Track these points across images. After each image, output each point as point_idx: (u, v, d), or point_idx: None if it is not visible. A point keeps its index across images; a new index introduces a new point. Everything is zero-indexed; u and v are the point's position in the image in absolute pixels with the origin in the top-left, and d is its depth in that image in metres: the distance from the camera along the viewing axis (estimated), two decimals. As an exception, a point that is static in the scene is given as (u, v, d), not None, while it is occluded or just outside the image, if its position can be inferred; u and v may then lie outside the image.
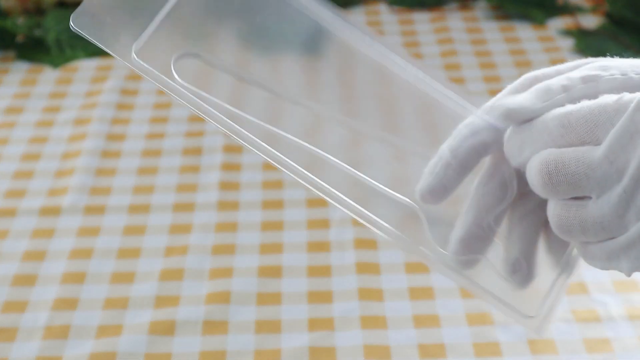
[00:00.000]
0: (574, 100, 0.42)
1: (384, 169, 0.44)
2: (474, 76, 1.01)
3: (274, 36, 0.44)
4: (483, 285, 0.43)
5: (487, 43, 1.08)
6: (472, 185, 0.45)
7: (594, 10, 1.14)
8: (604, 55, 0.46)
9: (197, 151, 0.91)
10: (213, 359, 0.67)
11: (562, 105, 0.43)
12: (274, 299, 0.72)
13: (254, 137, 0.40)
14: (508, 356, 0.66)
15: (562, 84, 0.44)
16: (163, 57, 0.41)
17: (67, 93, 1.01)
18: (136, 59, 0.40)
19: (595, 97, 0.42)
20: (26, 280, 0.75)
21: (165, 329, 0.69)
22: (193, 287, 0.73)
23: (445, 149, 0.45)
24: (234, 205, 0.83)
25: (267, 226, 0.80)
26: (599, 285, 0.73)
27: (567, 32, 1.09)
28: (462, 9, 1.17)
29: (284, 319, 0.70)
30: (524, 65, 1.03)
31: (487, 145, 0.45)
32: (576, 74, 0.44)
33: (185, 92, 0.40)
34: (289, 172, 0.40)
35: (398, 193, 0.44)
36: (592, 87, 0.43)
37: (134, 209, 0.83)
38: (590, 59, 0.45)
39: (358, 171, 0.42)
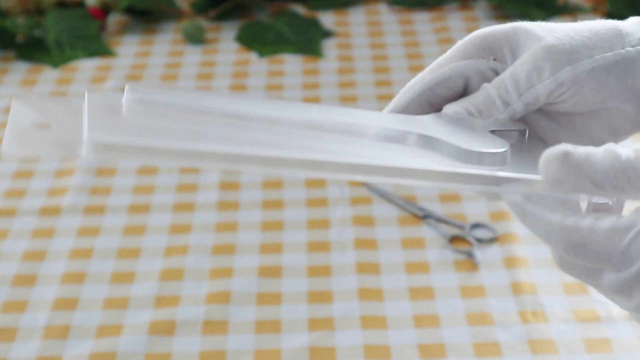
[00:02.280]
0: None
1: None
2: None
3: None
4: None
5: (487, 43, 1.08)
6: None
7: (594, 10, 1.14)
8: None
9: (197, 151, 0.91)
10: (213, 359, 0.67)
11: None
12: (274, 299, 0.72)
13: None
14: (508, 356, 0.66)
15: None
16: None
17: (67, 93, 1.01)
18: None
19: None
20: (26, 280, 0.75)
21: (165, 329, 0.69)
22: (193, 287, 0.73)
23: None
24: (234, 205, 0.83)
25: (267, 226, 0.80)
26: (599, 285, 0.73)
27: (567, 32, 1.09)
28: (462, 9, 1.17)
29: (284, 319, 0.70)
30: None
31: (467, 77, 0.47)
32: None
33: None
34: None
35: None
36: None
37: (134, 209, 0.83)
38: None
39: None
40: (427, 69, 0.48)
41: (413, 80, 0.48)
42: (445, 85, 0.47)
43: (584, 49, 0.45)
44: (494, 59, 0.47)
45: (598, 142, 0.48)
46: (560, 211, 0.42)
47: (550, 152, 0.40)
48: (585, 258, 0.40)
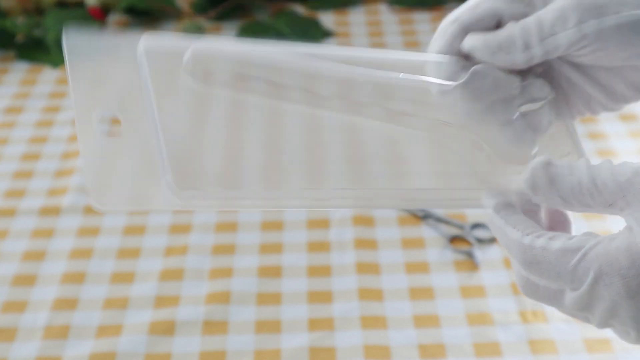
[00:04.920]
0: None
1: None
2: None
3: None
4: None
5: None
6: None
7: None
8: None
9: (197, 151, 0.91)
10: (213, 359, 0.67)
11: None
12: (274, 299, 0.72)
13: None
14: (508, 356, 0.66)
15: None
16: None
17: (67, 93, 1.01)
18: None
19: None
20: (26, 280, 0.74)
21: (165, 329, 0.69)
22: (193, 287, 0.73)
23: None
24: (234, 205, 0.82)
25: (267, 226, 0.80)
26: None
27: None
28: (462, 8, 1.17)
29: (284, 319, 0.70)
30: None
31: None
32: None
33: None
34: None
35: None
36: None
37: (134, 209, 0.82)
38: None
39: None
40: (462, 7, 0.49)
41: (448, 20, 0.49)
42: (479, 25, 0.48)
43: (613, 4, 0.45)
44: (527, 4, 0.48)
45: (621, 98, 0.49)
46: (520, 228, 0.44)
47: (538, 160, 0.44)
48: (539, 276, 0.43)
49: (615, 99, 0.49)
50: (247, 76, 0.40)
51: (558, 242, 0.42)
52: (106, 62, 0.41)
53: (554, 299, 0.44)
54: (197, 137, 0.41)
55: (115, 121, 0.39)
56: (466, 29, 0.48)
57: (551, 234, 0.43)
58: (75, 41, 0.40)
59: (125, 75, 0.41)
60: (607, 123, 0.94)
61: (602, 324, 0.42)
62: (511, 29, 0.46)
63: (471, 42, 0.47)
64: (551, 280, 0.43)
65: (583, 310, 0.42)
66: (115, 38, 0.42)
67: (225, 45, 0.41)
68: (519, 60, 0.46)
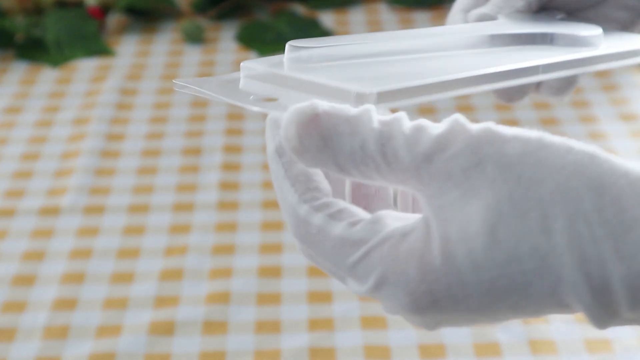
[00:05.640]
0: None
1: None
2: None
3: None
4: None
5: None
6: None
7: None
8: None
9: (196, 151, 0.91)
10: (213, 359, 0.67)
11: None
12: (274, 299, 0.72)
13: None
14: (508, 356, 0.66)
15: None
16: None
17: (67, 93, 1.01)
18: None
19: None
20: (25, 281, 0.74)
21: (165, 329, 0.69)
22: (193, 287, 0.73)
23: None
24: (234, 205, 0.82)
25: (267, 226, 0.80)
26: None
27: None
28: (462, 8, 1.17)
29: (284, 319, 0.70)
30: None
31: None
32: None
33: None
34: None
35: None
36: None
37: (134, 209, 0.82)
38: None
39: None
40: None
41: (454, 10, 0.53)
42: (479, 2, 0.52)
43: None
44: None
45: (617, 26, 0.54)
46: (299, 190, 0.35)
47: (296, 110, 0.32)
48: (315, 254, 0.34)
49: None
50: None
51: (338, 226, 0.33)
52: None
53: (334, 275, 0.35)
54: None
55: None
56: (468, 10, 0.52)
57: (336, 205, 0.34)
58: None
59: None
60: (607, 123, 0.94)
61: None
62: None
63: (477, 11, 0.50)
64: (327, 266, 0.35)
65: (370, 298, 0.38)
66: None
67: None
68: (521, 6, 0.50)
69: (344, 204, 0.34)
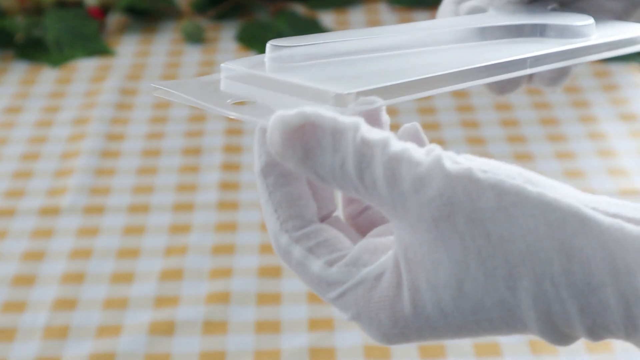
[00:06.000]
0: None
1: None
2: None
3: None
4: None
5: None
6: None
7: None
8: None
9: (196, 151, 0.91)
10: (213, 359, 0.67)
11: None
12: (274, 299, 0.72)
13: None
14: (508, 356, 0.66)
15: None
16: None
17: (67, 93, 1.01)
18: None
19: None
20: (25, 281, 0.74)
21: (165, 329, 0.69)
22: (193, 287, 0.73)
23: None
24: (234, 205, 0.82)
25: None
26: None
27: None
28: (462, 8, 1.17)
29: (284, 319, 0.70)
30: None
31: None
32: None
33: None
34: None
35: None
36: None
37: (134, 209, 0.82)
38: None
39: None
40: None
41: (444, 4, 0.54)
42: None
43: None
44: None
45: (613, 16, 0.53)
46: (282, 216, 0.35)
47: (282, 118, 0.32)
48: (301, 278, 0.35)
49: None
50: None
51: (315, 264, 0.34)
52: None
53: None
54: None
55: None
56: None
57: (315, 237, 0.34)
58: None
59: None
60: (607, 123, 0.94)
61: None
62: None
63: (468, 4, 0.51)
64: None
65: None
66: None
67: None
68: None
69: (326, 232, 0.35)
